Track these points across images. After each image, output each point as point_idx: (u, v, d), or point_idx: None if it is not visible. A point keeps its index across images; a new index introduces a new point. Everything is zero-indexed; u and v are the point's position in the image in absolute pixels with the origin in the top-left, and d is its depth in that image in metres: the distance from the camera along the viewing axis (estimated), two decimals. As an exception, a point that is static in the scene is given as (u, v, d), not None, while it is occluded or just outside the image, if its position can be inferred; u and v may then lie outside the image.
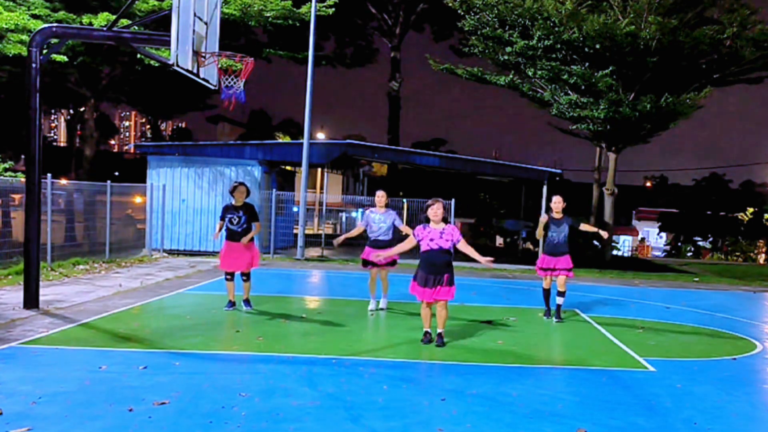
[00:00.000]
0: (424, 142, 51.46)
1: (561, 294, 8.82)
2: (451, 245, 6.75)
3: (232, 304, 8.66)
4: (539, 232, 8.82)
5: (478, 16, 19.84)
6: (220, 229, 8.47)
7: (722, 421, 4.92)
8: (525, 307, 10.18)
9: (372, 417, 4.62)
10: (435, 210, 6.73)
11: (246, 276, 8.61)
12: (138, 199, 18.52)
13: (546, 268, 8.76)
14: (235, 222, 8.28)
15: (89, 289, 10.18)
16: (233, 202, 8.38)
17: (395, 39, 32.49)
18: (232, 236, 8.32)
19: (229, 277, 8.56)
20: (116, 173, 42.13)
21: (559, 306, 8.85)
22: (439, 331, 6.96)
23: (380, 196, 8.82)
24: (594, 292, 12.65)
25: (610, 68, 18.28)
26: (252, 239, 8.45)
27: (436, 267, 6.71)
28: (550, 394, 5.40)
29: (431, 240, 6.71)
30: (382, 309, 9.04)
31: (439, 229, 6.74)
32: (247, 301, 8.72)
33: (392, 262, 8.73)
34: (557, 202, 8.64)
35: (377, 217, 8.71)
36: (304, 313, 8.89)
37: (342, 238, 8.90)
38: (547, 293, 9.03)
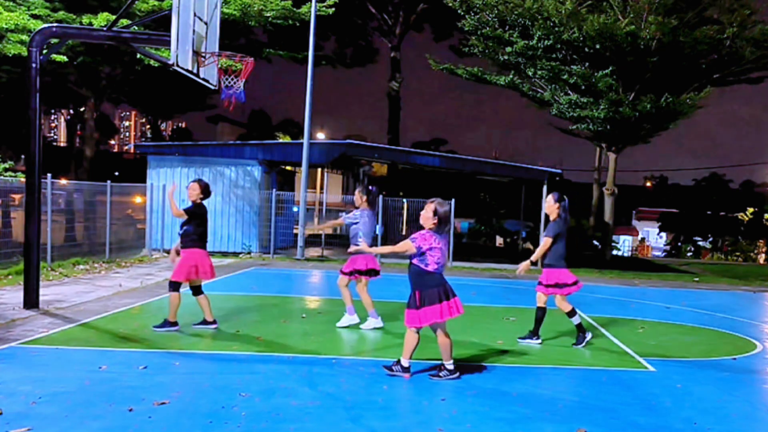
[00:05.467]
0: (424, 142, 51.54)
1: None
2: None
3: (174, 324, 7.11)
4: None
5: (478, 16, 19.84)
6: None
7: (722, 421, 4.92)
8: (525, 307, 10.18)
9: (372, 417, 4.62)
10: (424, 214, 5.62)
11: (197, 290, 7.35)
12: (138, 199, 18.51)
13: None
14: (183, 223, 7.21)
15: (89, 289, 10.18)
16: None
17: (395, 39, 32.44)
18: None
19: (175, 287, 7.12)
20: (116, 173, 42.18)
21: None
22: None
23: (356, 194, 7.69)
24: (594, 292, 12.65)
25: (610, 68, 18.28)
26: (178, 253, 7.23)
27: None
28: (550, 394, 5.41)
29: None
30: (378, 327, 7.74)
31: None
32: (210, 321, 7.42)
33: (371, 271, 7.58)
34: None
35: (351, 217, 7.56)
36: (304, 313, 8.89)
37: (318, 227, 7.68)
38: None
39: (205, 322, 7.42)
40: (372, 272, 7.63)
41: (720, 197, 44.53)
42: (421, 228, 5.65)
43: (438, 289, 5.53)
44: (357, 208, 7.64)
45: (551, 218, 7.17)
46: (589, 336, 7.39)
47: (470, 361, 6.37)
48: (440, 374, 5.69)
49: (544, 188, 18.34)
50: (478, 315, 9.32)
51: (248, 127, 49.06)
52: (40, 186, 8.33)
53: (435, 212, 5.54)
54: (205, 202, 7.50)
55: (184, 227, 7.23)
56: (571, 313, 7.22)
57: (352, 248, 7.02)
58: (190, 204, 7.28)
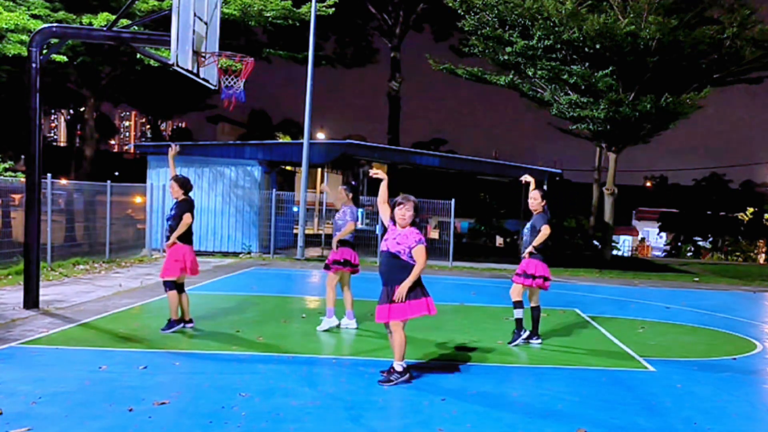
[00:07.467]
0: (424, 142, 51.52)
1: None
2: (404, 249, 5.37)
3: (179, 322, 7.19)
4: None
5: (478, 16, 19.83)
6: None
7: (722, 421, 4.92)
8: (525, 308, 10.16)
9: (372, 417, 4.62)
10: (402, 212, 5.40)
11: (180, 287, 7.22)
12: (138, 199, 18.51)
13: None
14: (168, 218, 7.25)
15: (89, 289, 10.18)
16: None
17: (395, 39, 32.45)
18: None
19: (171, 286, 7.10)
20: (116, 173, 42.20)
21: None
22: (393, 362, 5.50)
23: (341, 192, 7.71)
24: (594, 292, 12.66)
25: (610, 68, 18.27)
26: (176, 242, 7.02)
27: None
28: (550, 394, 5.40)
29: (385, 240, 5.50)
30: (339, 326, 7.71)
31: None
32: (190, 320, 7.40)
33: (345, 262, 7.50)
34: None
35: (341, 218, 7.62)
36: (304, 313, 8.89)
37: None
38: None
39: (170, 323, 7.15)
40: (346, 263, 7.53)
41: (720, 197, 44.57)
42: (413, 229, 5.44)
43: (419, 284, 5.43)
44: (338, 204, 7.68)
45: (535, 213, 7.23)
46: (525, 334, 7.22)
47: (470, 362, 6.38)
48: (391, 378, 5.39)
49: (545, 188, 18.37)
50: (478, 315, 9.33)
51: (248, 127, 49.09)
52: (40, 186, 8.33)
53: (416, 207, 5.42)
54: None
55: (170, 223, 7.12)
56: (518, 305, 7.17)
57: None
58: (180, 201, 7.14)
